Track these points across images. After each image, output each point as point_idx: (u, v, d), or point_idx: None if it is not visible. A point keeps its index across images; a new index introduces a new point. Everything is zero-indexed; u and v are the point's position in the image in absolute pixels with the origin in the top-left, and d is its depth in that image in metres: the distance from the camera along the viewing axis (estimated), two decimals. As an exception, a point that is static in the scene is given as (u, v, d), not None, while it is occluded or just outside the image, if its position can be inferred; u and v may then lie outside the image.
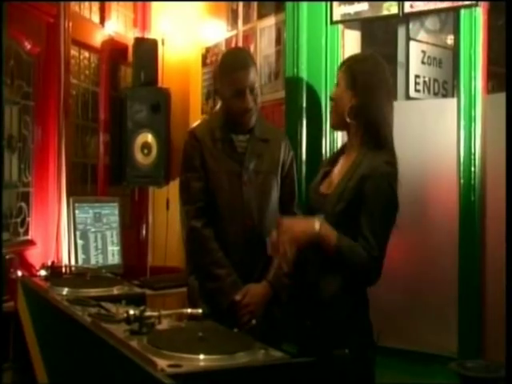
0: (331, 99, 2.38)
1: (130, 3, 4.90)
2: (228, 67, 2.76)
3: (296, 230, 2.14)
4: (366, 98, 2.24)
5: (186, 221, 2.73)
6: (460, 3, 3.08)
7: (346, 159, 2.32)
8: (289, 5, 3.66)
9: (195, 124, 2.98)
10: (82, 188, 4.41)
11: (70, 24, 4.06)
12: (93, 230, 4.07)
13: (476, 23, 3.03)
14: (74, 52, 4.27)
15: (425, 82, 3.70)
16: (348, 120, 2.27)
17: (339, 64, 2.40)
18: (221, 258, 2.66)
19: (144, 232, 4.74)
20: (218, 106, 2.94)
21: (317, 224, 2.13)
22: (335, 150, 3.43)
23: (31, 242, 3.89)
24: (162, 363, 1.47)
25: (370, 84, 2.26)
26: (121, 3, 4.81)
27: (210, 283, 2.67)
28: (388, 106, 2.29)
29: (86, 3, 4.47)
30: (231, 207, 2.71)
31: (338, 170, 2.32)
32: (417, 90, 3.67)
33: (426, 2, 3.21)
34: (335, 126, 2.45)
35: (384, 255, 2.15)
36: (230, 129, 2.77)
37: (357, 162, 2.22)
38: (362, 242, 2.12)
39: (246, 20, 4.28)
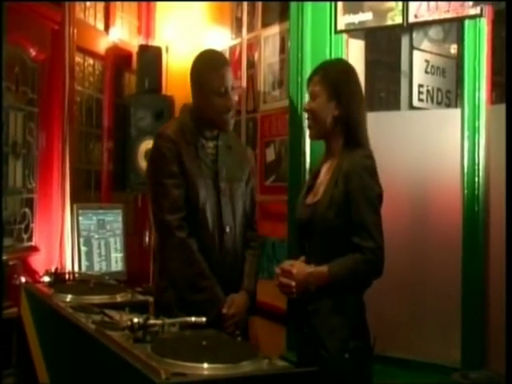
0: (306, 111, 2.42)
1: (135, 10, 4.92)
2: (211, 65, 2.72)
3: (295, 275, 2.25)
4: (348, 106, 2.32)
5: (169, 231, 2.61)
6: (464, 14, 3.09)
7: (328, 167, 2.36)
8: (293, 13, 3.67)
9: (165, 126, 2.82)
10: (85, 194, 4.42)
11: (75, 31, 4.08)
12: (96, 236, 4.08)
13: (480, 34, 3.04)
14: (78, 59, 4.29)
15: (428, 91, 3.71)
16: (332, 130, 2.34)
17: (310, 75, 2.44)
18: (205, 269, 2.60)
19: (147, 239, 4.74)
20: (184, 108, 2.84)
21: (308, 268, 2.24)
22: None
23: (35, 248, 3.90)
24: (166, 372, 1.48)
25: (350, 93, 2.35)
26: (125, 10, 4.83)
27: (194, 295, 2.59)
28: (363, 107, 2.39)
29: (91, 10, 4.49)
30: (209, 214, 2.65)
31: (320, 180, 2.37)
32: (420, 100, 3.67)
33: (430, 12, 3.22)
34: (316, 137, 2.47)
35: (382, 242, 2.20)
36: (199, 133, 2.71)
37: (339, 165, 2.29)
38: (355, 239, 2.18)
39: (250, 28, 4.29)
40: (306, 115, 2.47)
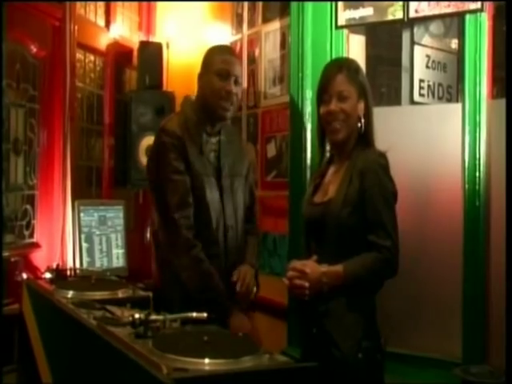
0: (335, 113, 2.28)
1: (136, 7, 4.92)
2: (216, 51, 2.78)
3: (308, 275, 2.18)
4: (370, 106, 2.33)
5: (176, 229, 2.59)
6: (465, 9, 3.08)
7: (337, 167, 2.33)
8: (294, 9, 3.67)
9: (167, 120, 2.77)
10: (86, 191, 4.43)
11: (76, 27, 4.08)
12: (98, 232, 4.08)
13: (481, 28, 3.03)
14: (79, 55, 4.29)
15: (429, 86, 3.70)
16: (362, 128, 2.31)
17: (325, 77, 2.34)
18: (210, 268, 2.60)
19: (148, 235, 4.75)
20: (185, 101, 2.85)
21: (321, 268, 2.18)
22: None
23: (36, 245, 3.91)
24: (167, 367, 1.48)
25: (370, 92, 2.36)
26: (126, 7, 4.83)
27: (202, 294, 2.57)
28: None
29: (92, 6, 4.49)
30: (213, 212, 2.67)
31: (329, 179, 2.34)
32: (421, 95, 3.67)
33: (430, 7, 3.22)
34: (345, 139, 2.32)
35: (397, 240, 2.18)
36: (203, 128, 2.72)
37: (351, 164, 2.26)
38: (371, 237, 2.16)
39: (251, 24, 4.29)
40: (332, 117, 2.29)
